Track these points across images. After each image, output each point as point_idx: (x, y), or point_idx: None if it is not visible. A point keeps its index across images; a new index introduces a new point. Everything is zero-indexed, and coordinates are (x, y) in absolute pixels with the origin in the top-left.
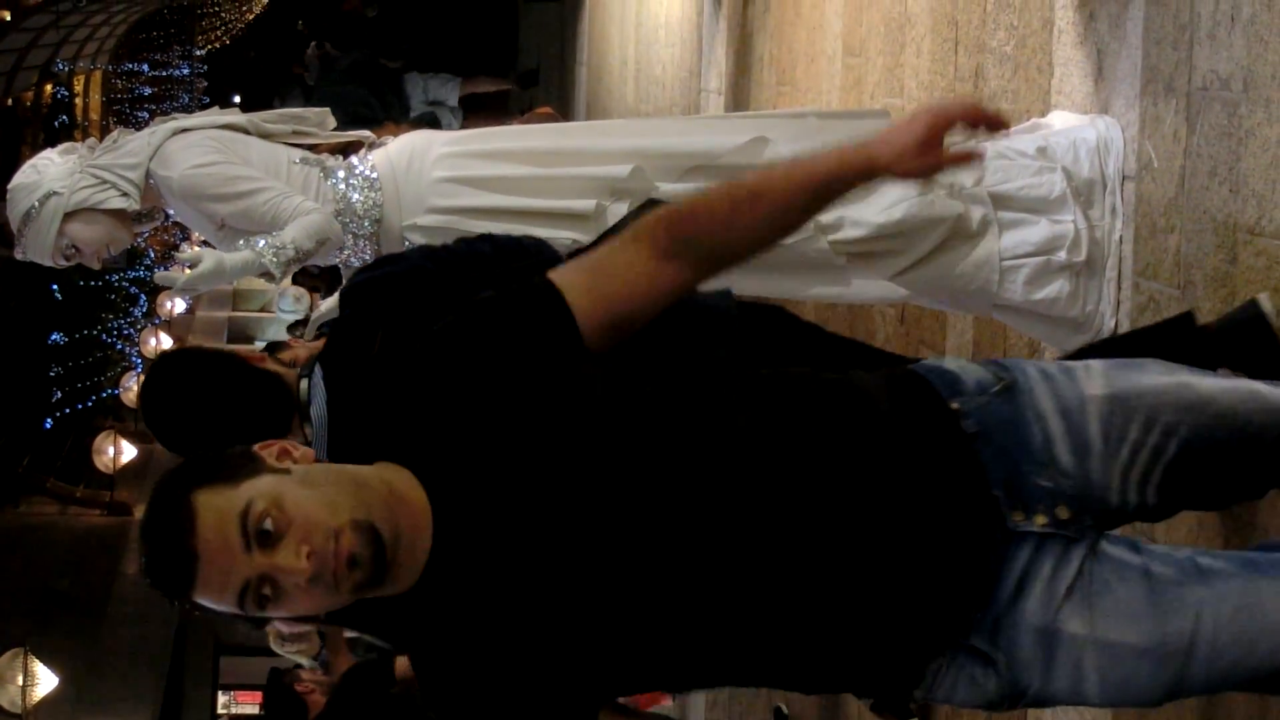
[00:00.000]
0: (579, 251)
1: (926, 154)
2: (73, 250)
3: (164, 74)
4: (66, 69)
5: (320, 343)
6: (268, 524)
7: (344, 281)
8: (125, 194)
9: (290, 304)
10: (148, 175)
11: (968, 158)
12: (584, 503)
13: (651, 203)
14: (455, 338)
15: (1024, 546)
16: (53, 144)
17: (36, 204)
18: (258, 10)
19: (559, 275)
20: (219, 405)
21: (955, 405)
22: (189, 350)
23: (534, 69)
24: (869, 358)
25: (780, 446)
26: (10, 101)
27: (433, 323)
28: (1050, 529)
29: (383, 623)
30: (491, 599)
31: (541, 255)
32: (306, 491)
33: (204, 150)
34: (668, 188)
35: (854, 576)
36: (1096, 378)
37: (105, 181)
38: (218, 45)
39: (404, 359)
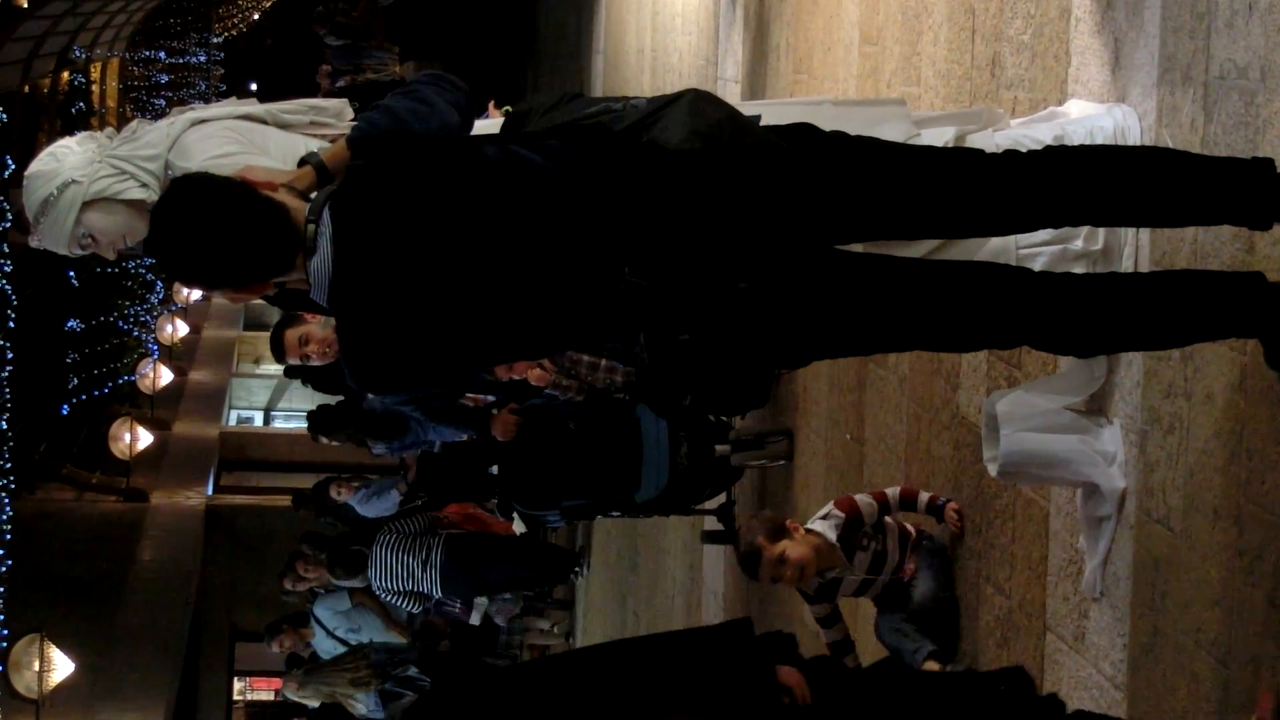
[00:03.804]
0: None
1: None
2: (89, 240)
3: (181, 61)
4: (83, 56)
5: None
6: None
7: None
8: (144, 185)
9: None
10: (166, 166)
11: None
12: None
13: None
14: None
15: None
16: (70, 131)
17: (55, 192)
18: None
19: None
20: (221, 230)
21: None
22: (200, 174)
23: None
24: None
25: None
26: (27, 88)
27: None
28: None
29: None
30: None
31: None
32: None
33: (223, 141)
34: None
35: None
36: None
37: (124, 172)
38: (234, 33)
39: None
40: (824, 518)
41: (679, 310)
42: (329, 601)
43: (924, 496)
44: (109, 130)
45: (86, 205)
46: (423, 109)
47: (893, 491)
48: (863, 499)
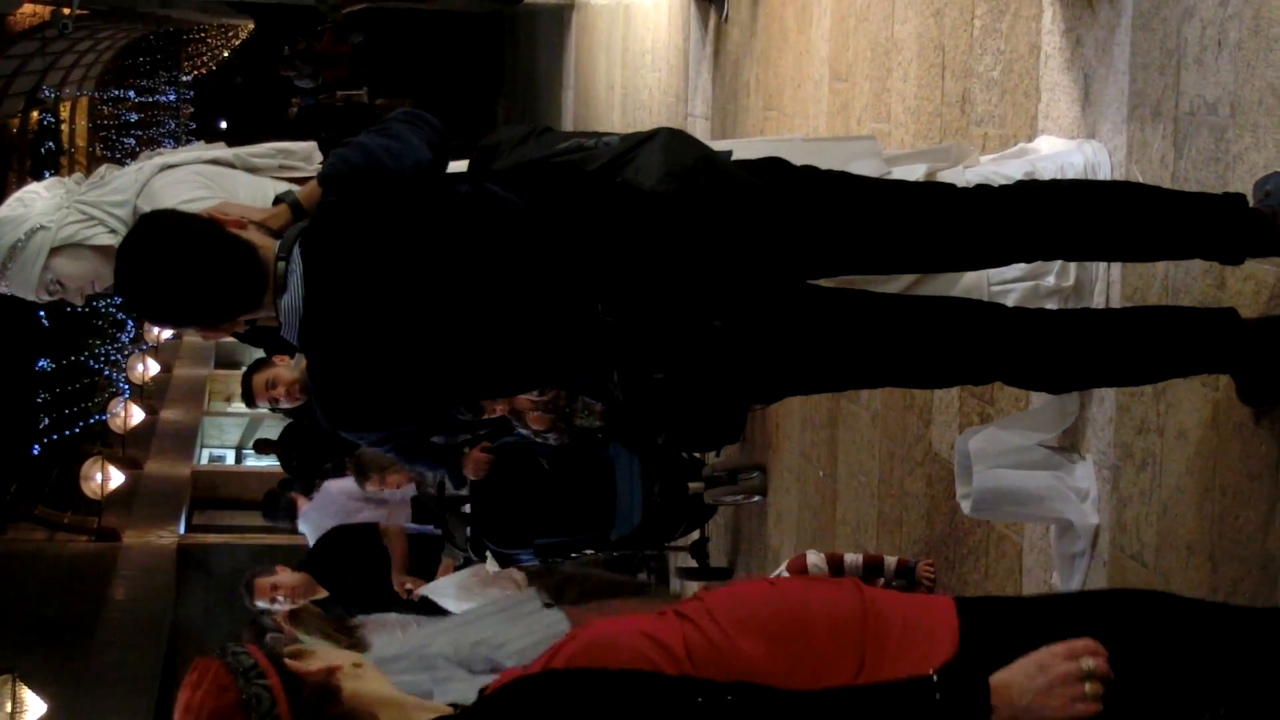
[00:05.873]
0: None
1: None
2: (57, 286)
3: (150, 100)
4: (53, 95)
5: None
6: None
7: None
8: (113, 230)
9: None
10: (135, 212)
11: None
12: None
13: None
14: None
15: None
16: (39, 170)
17: (23, 237)
18: (243, 37)
19: None
20: (187, 268)
21: None
22: (166, 212)
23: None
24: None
25: None
26: None
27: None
28: None
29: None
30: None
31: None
32: None
33: (191, 186)
34: None
35: None
36: None
37: (92, 218)
38: (204, 71)
39: None
40: (779, 575)
41: (653, 348)
42: None
43: (890, 562)
44: (77, 175)
45: (54, 251)
46: (396, 146)
47: (852, 558)
48: (814, 559)
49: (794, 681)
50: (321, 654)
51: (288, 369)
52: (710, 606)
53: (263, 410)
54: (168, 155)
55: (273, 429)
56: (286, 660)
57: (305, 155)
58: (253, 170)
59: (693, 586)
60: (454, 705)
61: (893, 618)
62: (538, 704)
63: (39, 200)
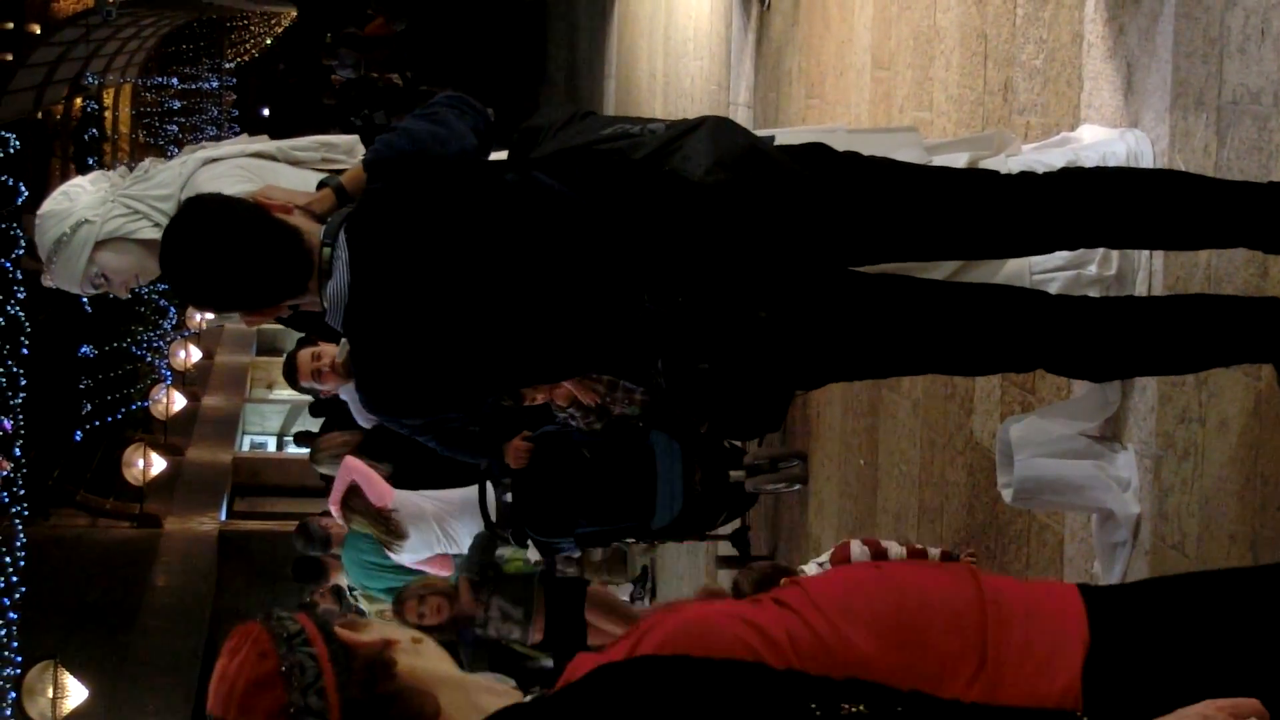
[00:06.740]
0: None
1: None
2: (102, 279)
3: (193, 87)
4: (96, 82)
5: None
6: None
7: None
8: (157, 224)
9: None
10: (179, 206)
11: None
12: None
13: None
14: None
15: None
16: (82, 156)
17: (68, 231)
18: (286, 24)
19: None
20: (232, 252)
21: None
22: (212, 196)
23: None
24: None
25: None
26: (40, 114)
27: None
28: None
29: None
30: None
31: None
32: None
33: (235, 180)
34: None
35: None
36: None
37: (137, 211)
38: (246, 58)
39: None
40: (820, 564)
41: (699, 338)
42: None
43: (934, 553)
44: (121, 169)
45: (99, 245)
46: (441, 132)
47: (897, 550)
48: (858, 548)
49: (909, 680)
50: (378, 626)
51: (332, 347)
52: (814, 596)
53: (304, 396)
54: (211, 149)
55: (313, 419)
56: (338, 629)
57: (348, 148)
58: (295, 163)
59: (730, 577)
60: (528, 691)
61: (1015, 609)
62: (631, 693)
63: (83, 194)
